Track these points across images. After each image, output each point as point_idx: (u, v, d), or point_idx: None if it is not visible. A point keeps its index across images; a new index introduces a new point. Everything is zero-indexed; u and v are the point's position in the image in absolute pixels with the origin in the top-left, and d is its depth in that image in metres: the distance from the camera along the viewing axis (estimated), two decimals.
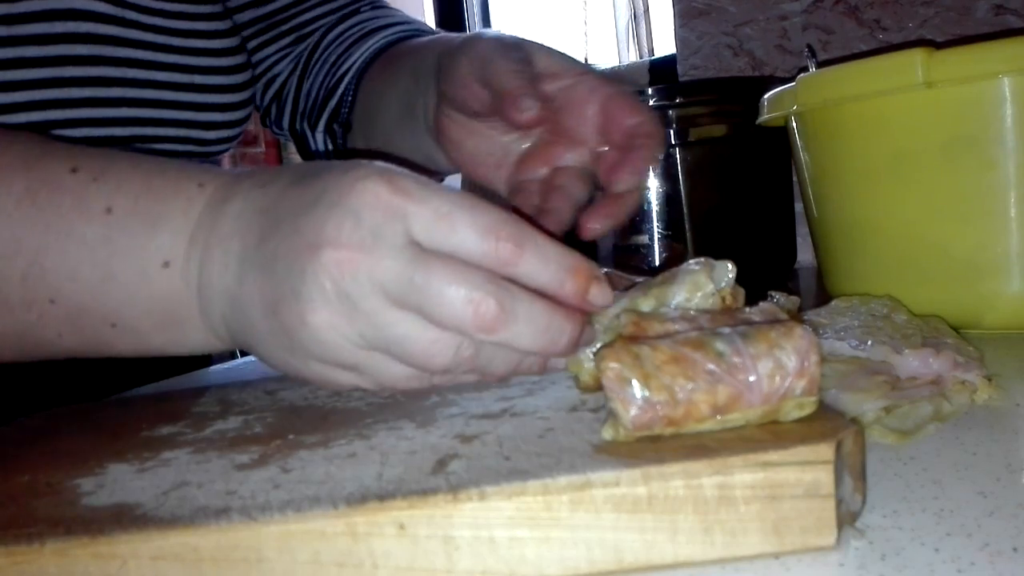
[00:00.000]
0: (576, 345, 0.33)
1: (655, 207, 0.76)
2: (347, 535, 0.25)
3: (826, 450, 0.25)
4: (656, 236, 0.76)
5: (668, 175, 0.75)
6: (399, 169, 0.34)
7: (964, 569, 0.24)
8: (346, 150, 0.69)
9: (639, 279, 0.35)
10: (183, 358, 0.69)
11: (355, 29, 0.70)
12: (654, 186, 0.76)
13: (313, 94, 0.70)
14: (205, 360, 0.70)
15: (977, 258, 0.49)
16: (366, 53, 0.67)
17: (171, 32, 0.62)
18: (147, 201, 0.38)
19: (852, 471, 0.26)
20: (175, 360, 0.68)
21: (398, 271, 0.32)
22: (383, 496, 0.25)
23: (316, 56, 0.71)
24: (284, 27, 0.72)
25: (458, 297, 0.32)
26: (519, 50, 0.50)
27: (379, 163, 0.34)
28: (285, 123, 0.74)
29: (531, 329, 0.32)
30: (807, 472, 0.25)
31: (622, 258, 0.77)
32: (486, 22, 2.73)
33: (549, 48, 0.51)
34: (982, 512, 0.27)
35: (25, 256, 0.37)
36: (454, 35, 0.61)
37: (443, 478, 0.26)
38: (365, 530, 0.25)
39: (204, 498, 0.27)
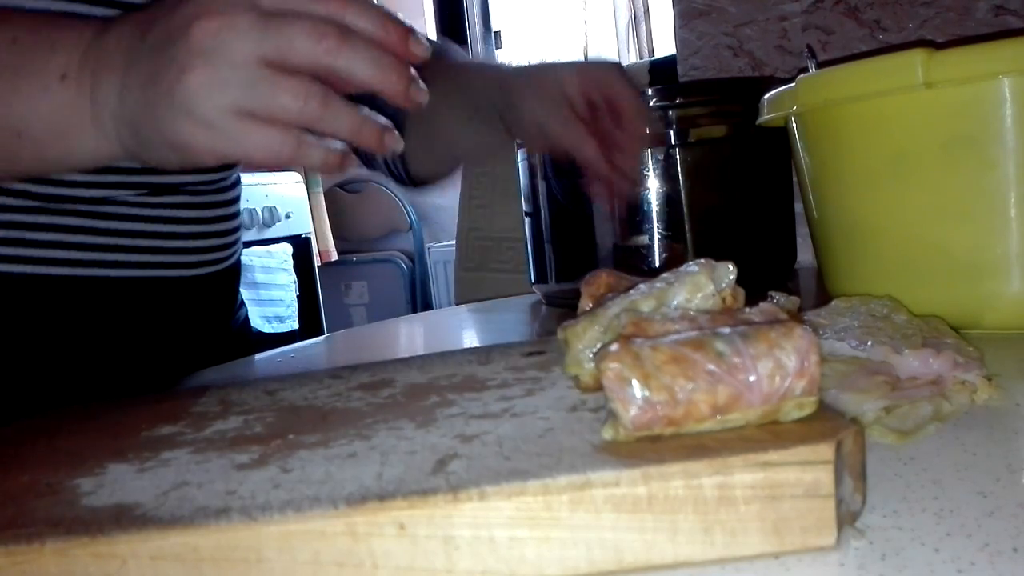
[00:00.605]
0: (407, 87, 0.42)
1: (655, 207, 0.76)
2: (347, 535, 0.25)
3: (826, 450, 0.25)
4: (656, 237, 0.76)
5: (668, 175, 0.75)
6: None
7: (964, 569, 0.24)
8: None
9: (639, 280, 0.35)
10: (183, 358, 0.69)
11: None
12: (654, 186, 0.76)
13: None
14: (205, 361, 0.71)
15: (977, 258, 0.49)
16: None
17: None
18: (46, 31, 0.46)
19: (852, 471, 0.26)
20: (176, 361, 0.69)
21: (255, 28, 0.39)
22: (383, 496, 0.25)
23: None
24: None
25: (302, 33, 0.40)
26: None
27: None
28: None
29: (366, 55, 0.40)
30: (807, 472, 0.25)
31: (622, 258, 0.77)
32: (486, 22, 2.73)
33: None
34: (982, 512, 0.27)
35: None
36: (496, 67, 0.76)
37: (443, 478, 0.26)
38: (365, 530, 0.25)
39: (204, 498, 0.27)
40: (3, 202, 0.61)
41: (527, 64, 0.72)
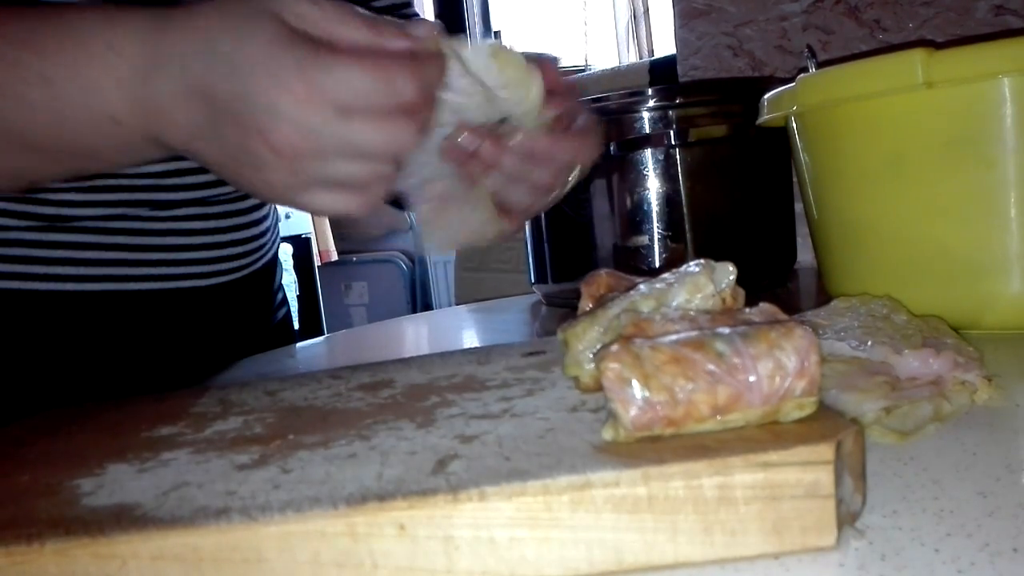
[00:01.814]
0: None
1: (655, 207, 0.76)
2: (347, 535, 0.25)
3: (826, 450, 0.25)
4: (656, 237, 0.76)
5: (668, 175, 0.75)
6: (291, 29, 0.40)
7: (964, 569, 0.24)
8: None
9: (639, 280, 0.36)
10: (212, 363, 0.69)
11: None
12: (654, 186, 0.76)
13: None
14: (211, 368, 0.71)
15: (977, 258, 0.49)
16: None
17: None
18: (74, 61, 0.43)
19: (852, 471, 0.26)
20: (177, 361, 0.69)
21: (331, 134, 0.40)
22: (383, 496, 0.25)
23: None
24: None
25: (377, 128, 0.41)
26: None
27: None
28: None
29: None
30: (807, 472, 0.25)
31: (622, 258, 0.77)
32: (486, 22, 2.74)
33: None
34: (982, 512, 0.27)
35: (23, 46, 0.43)
36: None
37: (443, 478, 0.26)
38: (365, 530, 0.25)
39: (204, 498, 0.27)
40: (5, 223, 0.61)
41: None
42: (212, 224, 0.70)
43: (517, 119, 0.47)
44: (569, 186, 0.53)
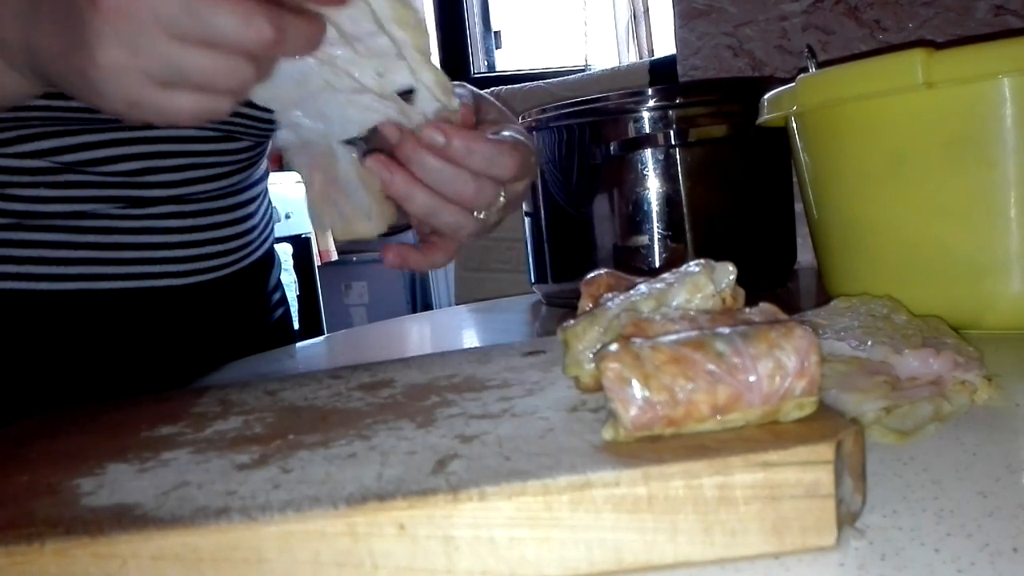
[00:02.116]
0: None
1: (655, 207, 0.76)
2: (347, 535, 0.25)
3: (826, 450, 0.25)
4: (656, 237, 0.76)
5: (668, 175, 0.75)
6: None
7: (964, 569, 0.24)
8: None
9: (639, 280, 0.36)
10: (200, 361, 0.69)
11: None
12: (654, 186, 0.76)
13: None
14: (202, 368, 0.71)
15: (977, 258, 0.49)
16: None
17: None
18: None
19: (852, 471, 0.26)
20: (162, 361, 0.68)
21: (178, 5, 0.36)
22: (383, 496, 0.25)
23: None
24: None
25: (236, 22, 0.37)
26: None
27: None
28: None
29: (297, 39, 0.39)
30: (807, 472, 0.25)
31: (622, 259, 0.77)
32: (486, 22, 2.73)
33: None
34: (982, 512, 0.27)
35: None
36: None
37: (443, 478, 0.26)
38: (365, 530, 0.25)
39: (204, 498, 0.27)
40: None
41: None
42: (188, 223, 0.68)
43: (421, 101, 0.46)
44: (498, 209, 0.50)
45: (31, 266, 0.62)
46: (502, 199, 0.49)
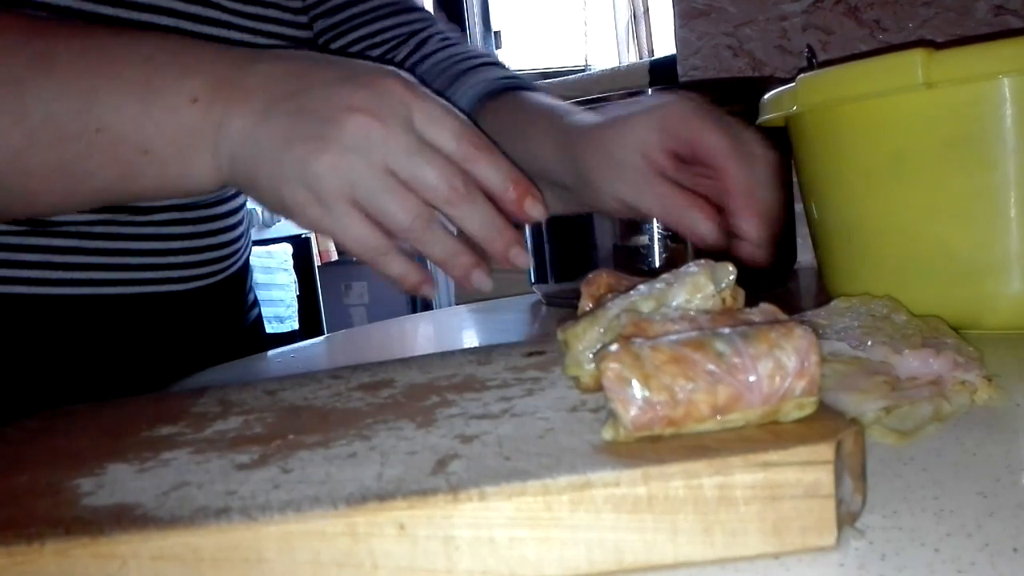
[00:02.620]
0: (507, 251, 0.45)
1: None
2: (347, 535, 0.25)
3: (826, 450, 0.25)
4: (656, 237, 0.76)
5: None
6: (409, 75, 0.45)
7: (964, 569, 0.24)
8: None
9: (639, 280, 0.36)
10: (186, 365, 0.69)
11: (441, 68, 0.72)
12: None
13: None
14: (197, 359, 0.71)
15: (977, 258, 0.49)
16: (467, 99, 0.68)
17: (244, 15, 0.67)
18: (183, 52, 0.47)
19: (852, 471, 0.26)
20: (180, 362, 0.69)
21: (402, 144, 0.43)
22: (383, 496, 0.25)
23: None
24: (353, 35, 0.74)
25: (438, 174, 0.43)
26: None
27: (393, 68, 0.45)
28: None
29: (479, 215, 0.44)
30: (807, 472, 0.25)
31: (622, 259, 0.77)
32: (486, 22, 2.73)
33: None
34: (982, 512, 0.27)
35: (79, 95, 0.45)
36: (569, 110, 0.61)
37: (443, 478, 0.26)
38: (365, 530, 0.25)
39: (204, 498, 0.27)
40: None
41: (587, 116, 0.59)
42: (189, 229, 0.70)
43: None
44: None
45: (41, 271, 0.63)
46: None
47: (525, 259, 0.46)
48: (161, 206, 0.68)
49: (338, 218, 0.44)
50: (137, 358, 0.69)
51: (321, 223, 0.44)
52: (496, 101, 0.66)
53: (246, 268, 0.83)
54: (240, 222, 0.78)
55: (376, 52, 0.74)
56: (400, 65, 0.71)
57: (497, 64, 0.72)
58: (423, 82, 0.47)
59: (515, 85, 0.68)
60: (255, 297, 0.86)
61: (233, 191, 0.76)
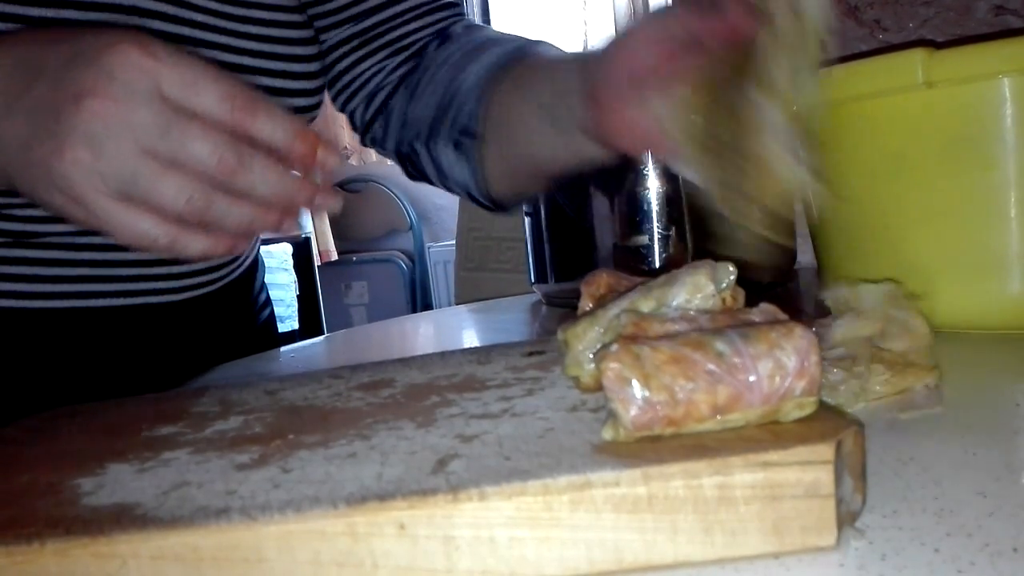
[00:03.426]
0: (311, 205, 0.42)
1: (655, 207, 0.76)
2: (347, 535, 0.25)
3: (826, 450, 0.25)
4: (656, 236, 0.76)
5: (668, 175, 0.75)
6: (150, 37, 0.39)
7: (964, 569, 0.24)
8: (480, 162, 0.67)
9: (639, 280, 0.36)
10: (192, 364, 0.69)
11: (461, 47, 0.70)
12: (654, 186, 0.76)
13: (425, 114, 0.69)
14: (205, 364, 0.71)
15: (977, 258, 0.49)
16: (483, 68, 0.65)
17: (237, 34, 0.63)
18: None
19: (852, 471, 0.26)
20: (184, 367, 0.68)
21: (150, 121, 0.38)
22: (383, 496, 0.25)
23: (426, 78, 0.70)
24: (380, 41, 0.72)
25: (204, 148, 0.38)
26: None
27: (132, 30, 0.40)
28: (390, 144, 0.74)
29: (264, 181, 0.40)
30: (807, 472, 0.25)
31: (622, 259, 0.77)
32: (486, 22, 2.73)
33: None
34: (982, 512, 0.27)
35: None
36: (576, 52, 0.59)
37: (443, 478, 0.26)
38: (365, 530, 0.25)
39: (204, 498, 0.27)
40: None
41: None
42: None
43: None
44: None
45: (25, 284, 0.61)
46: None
47: (335, 201, 0.43)
48: None
49: (105, 216, 0.39)
50: (136, 367, 0.67)
51: (90, 223, 0.40)
52: (525, 60, 0.64)
53: (254, 270, 0.80)
54: None
55: (408, 52, 0.72)
56: (437, 69, 0.69)
57: (512, 38, 0.70)
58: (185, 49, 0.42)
59: (526, 44, 0.66)
60: (267, 297, 0.84)
61: None
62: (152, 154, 0.38)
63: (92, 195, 0.39)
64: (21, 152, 0.40)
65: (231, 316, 0.77)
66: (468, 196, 0.72)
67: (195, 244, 0.41)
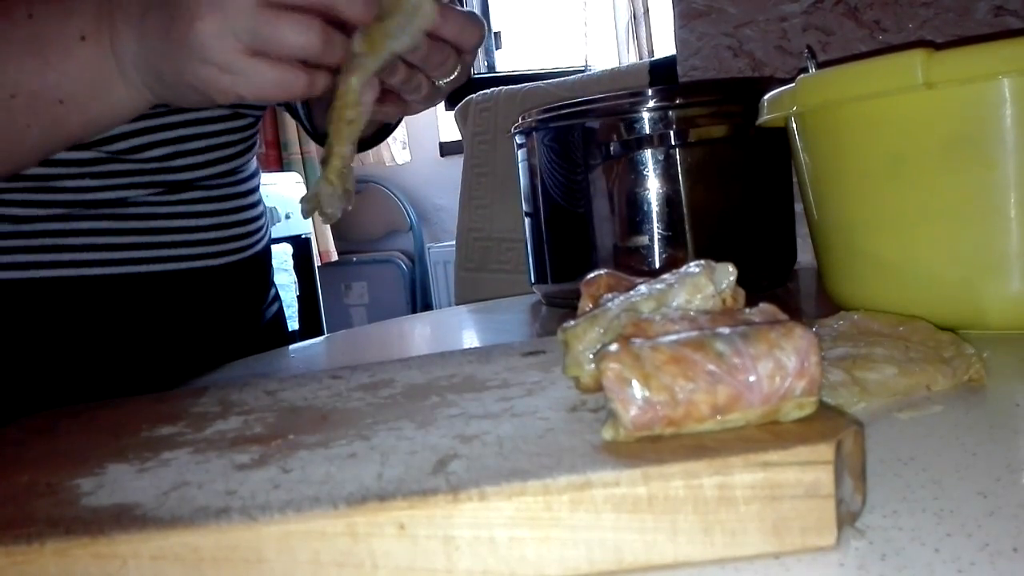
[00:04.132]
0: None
1: (655, 208, 0.76)
2: (347, 535, 0.25)
3: (826, 450, 0.25)
4: (656, 237, 0.76)
5: (668, 176, 0.75)
6: None
7: (964, 569, 0.24)
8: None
9: (639, 280, 0.36)
10: (215, 351, 0.70)
11: None
12: (654, 186, 0.76)
13: None
14: (228, 354, 0.72)
15: (977, 258, 0.49)
16: None
17: None
18: (56, 2, 0.49)
19: (852, 471, 0.26)
20: (207, 354, 0.70)
21: None
22: (383, 496, 0.25)
23: None
24: None
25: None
26: None
27: None
28: None
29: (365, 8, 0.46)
30: (807, 472, 0.25)
31: (622, 259, 0.77)
32: (486, 22, 2.73)
33: None
34: (982, 512, 0.27)
35: None
36: None
37: (443, 478, 0.26)
38: (365, 530, 0.25)
39: (204, 498, 0.27)
40: (34, 213, 0.64)
41: None
42: (215, 206, 0.74)
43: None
44: (453, 79, 0.54)
45: (84, 253, 0.66)
46: (459, 70, 0.54)
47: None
48: (187, 181, 0.71)
49: (246, 74, 0.45)
50: (164, 341, 0.71)
51: (238, 89, 0.46)
52: None
53: (268, 252, 0.85)
54: (259, 200, 0.82)
55: None
56: None
57: None
58: None
59: None
60: (276, 292, 0.89)
61: (247, 170, 0.78)
62: (265, 3, 0.44)
63: (231, 55, 0.44)
64: (163, 43, 0.45)
65: (251, 293, 0.81)
66: (297, 119, 0.80)
67: (322, 81, 0.47)
